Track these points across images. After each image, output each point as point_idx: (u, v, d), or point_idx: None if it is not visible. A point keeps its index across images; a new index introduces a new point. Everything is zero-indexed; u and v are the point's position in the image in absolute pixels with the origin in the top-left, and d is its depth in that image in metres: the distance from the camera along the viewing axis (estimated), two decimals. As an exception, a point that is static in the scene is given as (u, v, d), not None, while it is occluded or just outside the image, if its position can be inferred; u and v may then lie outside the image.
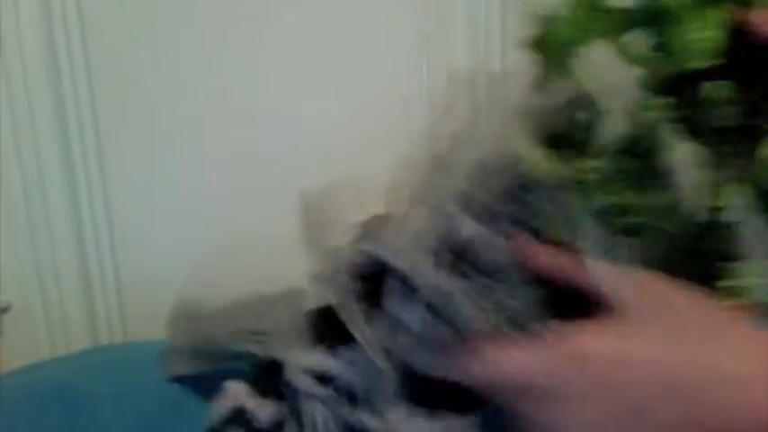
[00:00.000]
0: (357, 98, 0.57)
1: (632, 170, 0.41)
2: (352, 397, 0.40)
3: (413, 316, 0.38)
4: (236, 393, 0.42)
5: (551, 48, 0.43)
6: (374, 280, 0.39)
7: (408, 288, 0.38)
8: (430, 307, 0.37)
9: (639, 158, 0.41)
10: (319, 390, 0.39)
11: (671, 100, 0.41)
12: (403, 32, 0.57)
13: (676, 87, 0.41)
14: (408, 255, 0.37)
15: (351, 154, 0.55)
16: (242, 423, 0.42)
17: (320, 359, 0.40)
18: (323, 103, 0.58)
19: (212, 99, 0.58)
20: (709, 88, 0.41)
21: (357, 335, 0.39)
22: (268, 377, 0.42)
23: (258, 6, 0.55)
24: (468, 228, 0.38)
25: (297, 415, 0.40)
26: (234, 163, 0.57)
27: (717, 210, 0.40)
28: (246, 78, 0.58)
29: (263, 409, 0.41)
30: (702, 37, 0.41)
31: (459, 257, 0.37)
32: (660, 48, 0.42)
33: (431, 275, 0.37)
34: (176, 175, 0.58)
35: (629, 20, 0.43)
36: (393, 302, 0.38)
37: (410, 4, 0.56)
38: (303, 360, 0.40)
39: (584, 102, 0.42)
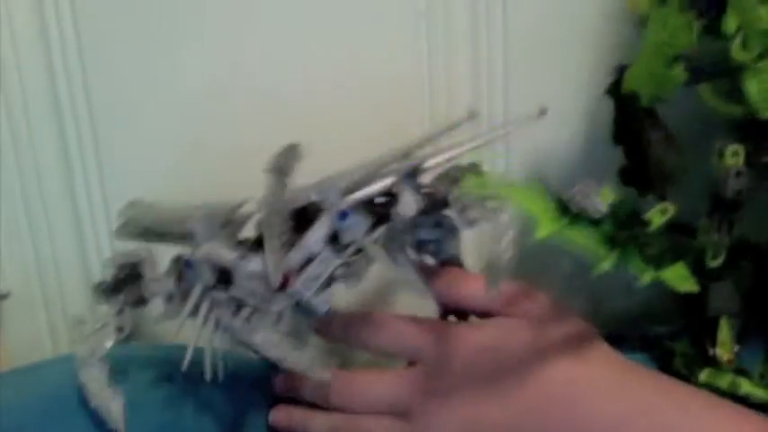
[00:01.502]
0: (353, 76, 0.57)
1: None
2: (239, 304, 0.41)
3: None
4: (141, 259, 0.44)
5: (629, 97, 0.47)
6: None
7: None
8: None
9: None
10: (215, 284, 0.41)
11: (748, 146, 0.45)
12: (401, 10, 0.57)
13: (757, 134, 0.45)
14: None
15: (344, 126, 0.55)
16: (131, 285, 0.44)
17: (229, 255, 0.41)
18: (318, 81, 0.57)
19: (212, 90, 0.57)
20: None
21: (267, 246, 0.40)
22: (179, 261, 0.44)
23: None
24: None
25: (184, 296, 0.42)
26: (233, 156, 0.56)
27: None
28: (240, 67, 0.57)
29: (159, 284, 0.44)
30: None
31: None
32: (735, 97, 0.44)
33: None
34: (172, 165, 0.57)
35: (703, 72, 0.46)
36: (311, 240, 0.41)
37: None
38: (214, 251, 0.41)
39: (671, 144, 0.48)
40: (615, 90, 0.51)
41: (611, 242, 0.43)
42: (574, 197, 0.41)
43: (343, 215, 0.41)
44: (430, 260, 0.47)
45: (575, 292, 0.58)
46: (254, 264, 0.41)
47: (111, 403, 0.42)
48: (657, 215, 0.47)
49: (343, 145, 0.47)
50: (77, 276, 0.59)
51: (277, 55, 0.56)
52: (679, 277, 0.47)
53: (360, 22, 0.56)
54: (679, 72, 0.45)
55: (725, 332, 0.49)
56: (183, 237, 0.43)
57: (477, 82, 0.58)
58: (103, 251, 0.58)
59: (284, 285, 0.41)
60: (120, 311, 0.45)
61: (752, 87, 0.44)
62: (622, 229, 0.43)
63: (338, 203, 0.41)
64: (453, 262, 0.47)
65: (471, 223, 0.41)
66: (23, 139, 0.57)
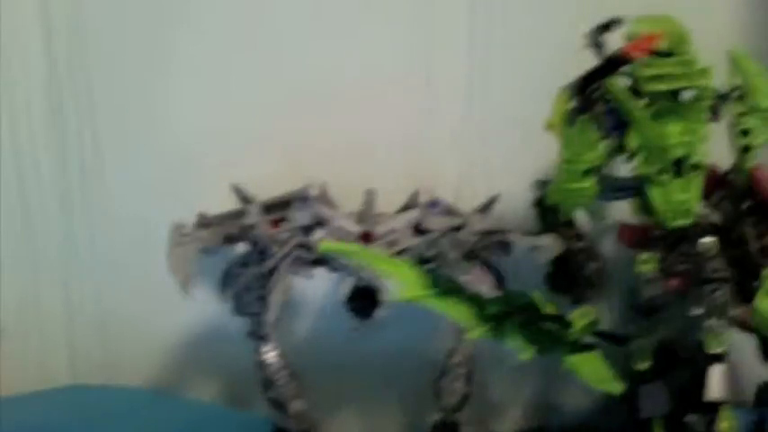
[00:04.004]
0: (356, 81, 0.59)
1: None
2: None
3: None
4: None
5: (551, 210, 0.52)
6: None
7: None
8: None
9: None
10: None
11: (663, 254, 0.49)
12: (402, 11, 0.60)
13: (673, 243, 0.48)
14: None
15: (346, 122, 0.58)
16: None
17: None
18: (322, 78, 0.60)
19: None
20: (703, 243, 0.48)
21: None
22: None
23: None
24: None
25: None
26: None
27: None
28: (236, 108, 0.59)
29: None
30: (683, 199, 0.47)
31: None
32: (648, 210, 0.48)
33: None
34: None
35: (617, 186, 0.50)
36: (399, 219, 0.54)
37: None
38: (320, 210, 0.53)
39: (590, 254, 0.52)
40: (540, 203, 0.54)
41: (487, 318, 0.45)
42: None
43: (434, 204, 0.54)
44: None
45: (527, 387, 0.61)
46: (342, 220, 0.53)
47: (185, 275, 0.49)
48: (579, 318, 0.49)
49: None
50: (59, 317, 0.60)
51: (272, 100, 0.59)
52: (598, 376, 0.50)
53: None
54: (591, 185, 0.49)
55: None
56: None
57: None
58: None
59: (367, 240, 0.52)
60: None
61: (657, 199, 0.48)
62: (509, 313, 0.46)
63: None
64: None
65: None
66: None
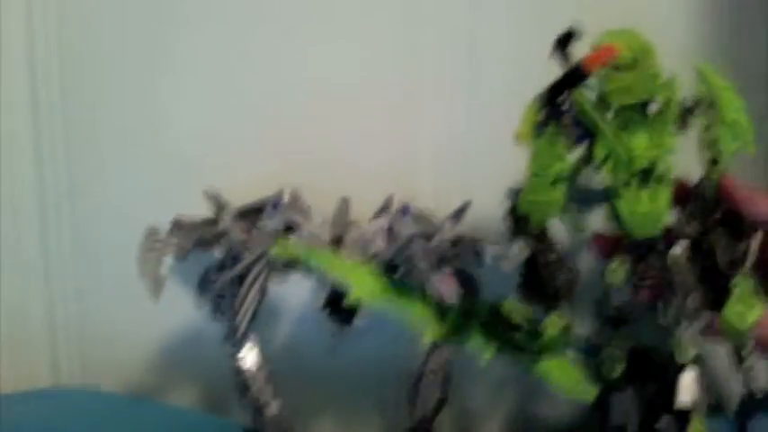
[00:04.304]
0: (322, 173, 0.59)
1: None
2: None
3: None
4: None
5: (523, 219, 0.52)
6: None
7: None
8: None
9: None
10: None
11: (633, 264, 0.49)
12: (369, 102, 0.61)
13: (642, 253, 0.49)
14: None
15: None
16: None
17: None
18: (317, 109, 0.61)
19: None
20: (672, 254, 0.49)
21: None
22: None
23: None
24: None
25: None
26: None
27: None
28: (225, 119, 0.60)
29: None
30: (649, 210, 0.48)
31: None
32: (616, 219, 0.49)
33: None
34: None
35: (586, 197, 0.51)
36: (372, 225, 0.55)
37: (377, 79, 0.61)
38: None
39: (560, 265, 0.52)
40: (512, 213, 0.55)
41: (446, 320, 0.46)
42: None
43: (405, 211, 0.54)
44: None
45: (505, 397, 0.61)
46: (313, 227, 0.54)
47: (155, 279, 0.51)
48: (551, 325, 0.50)
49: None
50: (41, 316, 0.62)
51: (263, 106, 0.60)
52: (570, 384, 0.50)
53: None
54: (559, 195, 0.49)
55: None
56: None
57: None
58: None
59: (338, 244, 0.53)
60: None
61: (623, 209, 0.48)
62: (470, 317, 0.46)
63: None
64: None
65: None
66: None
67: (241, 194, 0.55)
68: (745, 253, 0.49)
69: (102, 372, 0.62)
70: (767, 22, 0.61)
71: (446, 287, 0.51)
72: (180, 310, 0.59)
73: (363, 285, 0.46)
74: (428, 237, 0.54)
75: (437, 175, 0.62)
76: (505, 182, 0.53)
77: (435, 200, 0.60)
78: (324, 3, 0.59)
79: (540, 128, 0.47)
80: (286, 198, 0.54)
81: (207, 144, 0.60)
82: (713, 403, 0.54)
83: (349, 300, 0.45)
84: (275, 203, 0.53)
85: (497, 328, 0.49)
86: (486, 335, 0.48)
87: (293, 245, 0.51)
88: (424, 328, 0.46)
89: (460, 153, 0.62)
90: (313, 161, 0.58)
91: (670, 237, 0.49)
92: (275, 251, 0.48)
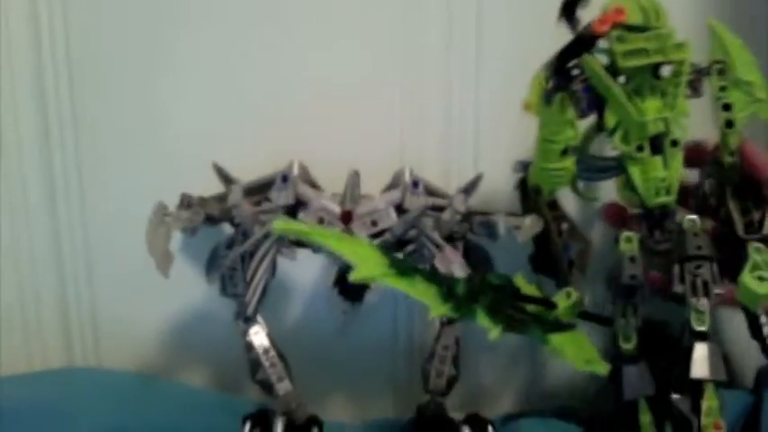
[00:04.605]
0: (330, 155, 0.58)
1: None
2: None
3: None
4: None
5: (534, 191, 0.52)
6: None
7: None
8: None
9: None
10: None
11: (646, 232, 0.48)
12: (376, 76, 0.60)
13: (655, 221, 0.48)
14: None
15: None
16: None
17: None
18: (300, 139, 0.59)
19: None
20: (686, 220, 0.48)
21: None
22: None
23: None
24: None
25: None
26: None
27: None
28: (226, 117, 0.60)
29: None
30: (663, 176, 0.47)
31: None
32: (630, 188, 0.48)
33: None
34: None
35: (599, 166, 0.51)
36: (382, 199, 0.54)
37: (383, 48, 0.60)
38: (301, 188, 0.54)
39: (573, 235, 0.52)
40: (522, 185, 0.54)
41: (453, 297, 0.46)
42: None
43: (416, 184, 0.54)
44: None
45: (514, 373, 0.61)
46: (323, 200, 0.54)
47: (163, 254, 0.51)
48: (563, 299, 0.49)
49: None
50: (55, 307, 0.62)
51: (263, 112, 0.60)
52: (583, 358, 0.49)
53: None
54: (569, 165, 0.48)
55: (645, 415, 0.49)
56: None
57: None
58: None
59: (347, 220, 0.53)
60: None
61: (636, 176, 0.47)
62: (479, 293, 0.45)
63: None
64: None
65: None
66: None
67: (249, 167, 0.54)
68: (762, 220, 0.48)
69: (114, 352, 0.63)
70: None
71: (455, 261, 0.51)
72: (191, 289, 0.59)
73: (367, 264, 0.45)
74: (439, 210, 0.54)
75: (439, 173, 0.61)
76: (512, 157, 0.53)
77: (442, 175, 0.59)
78: (324, 3, 0.59)
79: (548, 96, 0.46)
80: (295, 171, 0.53)
81: (208, 142, 0.59)
82: (729, 375, 0.54)
83: (352, 278, 0.44)
84: (284, 177, 0.53)
85: (507, 301, 0.48)
86: (494, 311, 0.47)
87: (294, 223, 0.50)
88: (429, 304, 0.46)
89: (465, 130, 0.61)
90: (313, 160, 0.57)
91: (686, 202, 0.48)
92: (276, 228, 0.46)
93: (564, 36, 0.46)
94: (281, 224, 0.47)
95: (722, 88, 0.48)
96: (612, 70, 0.46)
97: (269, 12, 0.59)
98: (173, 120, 0.60)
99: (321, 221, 0.53)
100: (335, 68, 0.60)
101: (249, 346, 0.52)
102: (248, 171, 0.55)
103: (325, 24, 0.59)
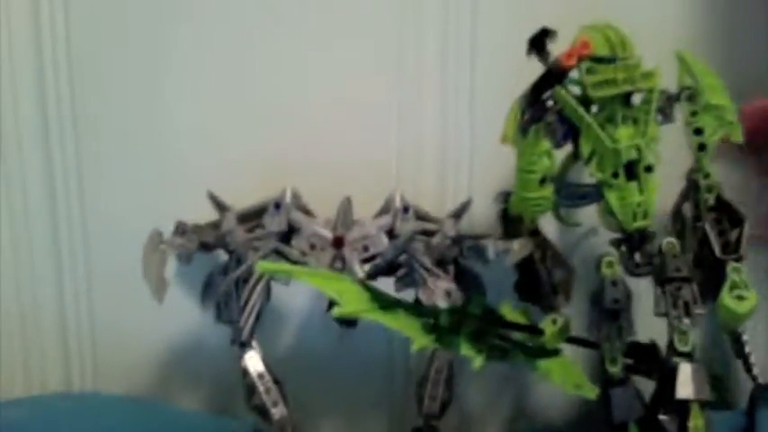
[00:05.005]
0: (324, 176, 0.60)
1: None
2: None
3: None
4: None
5: (516, 219, 0.54)
6: None
7: None
8: None
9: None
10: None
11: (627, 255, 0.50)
12: (373, 102, 0.62)
13: (635, 244, 0.49)
14: None
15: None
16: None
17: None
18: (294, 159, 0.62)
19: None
20: (665, 243, 0.49)
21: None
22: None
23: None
24: None
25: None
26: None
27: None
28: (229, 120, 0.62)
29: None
30: (639, 201, 0.48)
31: None
32: (610, 213, 0.49)
33: None
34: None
35: (579, 193, 0.53)
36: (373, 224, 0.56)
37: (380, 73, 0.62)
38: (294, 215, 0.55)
39: (556, 261, 0.53)
40: (504, 215, 0.56)
41: (437, 328, 0.47)
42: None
43: (406, 209, 0.56)
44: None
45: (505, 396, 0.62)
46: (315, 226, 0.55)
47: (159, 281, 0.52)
48: (549, 325, 0.50)
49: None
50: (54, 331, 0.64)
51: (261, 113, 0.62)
52: (572, 382, 0.50)
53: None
54: (548, 193, 0.50)
55: None
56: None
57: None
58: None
59: (339, 245, 0.54)
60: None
61: (614, 202, 0.49)
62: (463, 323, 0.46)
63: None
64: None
65: None
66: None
67: (242, 194, 0.56)
68: (738, 239, 0.49)
69: (112, 375, 0.64)
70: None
71: (441, 290, 0.52)
72: (187, 314, 0.61)
73: (350, 300, 0.47)
74: (429, 235, 0.56)
75: (438, 177, 0.63)
76: (506, 182, 0.55)
77: (437, 200, 0.61)
78: (325, 9, 0.61)
79: (524, 127, 0.48)
80: (288, 198, 0.55)
81: (209, 145, 0.62)
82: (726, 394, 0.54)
83: (335, 314, 0.46)
84: (277, 204, 0.55)
85: (491, 330, 0.50)
86: (477, 340, 0.49)
87: (276, 264, 0.52)
88: (412, 337, 0.47)
89: (461, 155, 0.63)
90: (313, 163, 0.60)
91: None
92: (260, 269, 0.49)
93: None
94: (264, 265, 0.49)
95: (693, 113, 0.50)
96: (585, 100, 0.48)
97: (270, 16, 0.61)
98: (174, 122, 0.62)
99: (313, 247, 0.54)
100: (331, 93, 0.62)
101: (244, 372, 0.53)
102: (242, 192, 0.56)
103: (321, 50, 0.61)
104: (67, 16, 0.61)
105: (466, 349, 0.48)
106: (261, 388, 0.53)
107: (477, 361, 0.48)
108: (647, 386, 0.51)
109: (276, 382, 0.53)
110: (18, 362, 0.64)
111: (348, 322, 0.55)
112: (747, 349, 0.51)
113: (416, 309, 0.50)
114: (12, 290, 0.64)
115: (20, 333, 0.64)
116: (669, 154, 0.49)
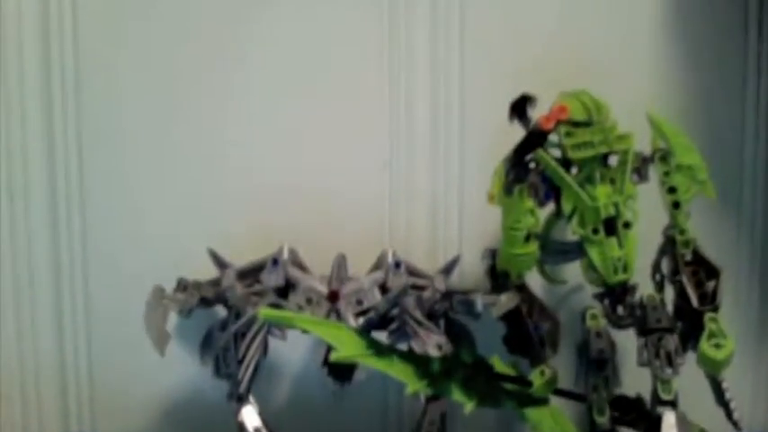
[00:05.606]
0: (319, 234, 0.62)
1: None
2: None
3: None
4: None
5: (502, 275, 0.56)
6: None
7: None
8: None
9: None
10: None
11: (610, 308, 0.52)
12: (365, 159, 0.65)
13: (618, 297, 0.52)
14: None
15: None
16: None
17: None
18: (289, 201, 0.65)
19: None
20: (646, 297, 0.52)
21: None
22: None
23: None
24: None
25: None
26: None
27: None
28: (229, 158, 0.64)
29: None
30: (619, 255, 0.51)
31: None
32: (592, 268, 0.52)
33: None
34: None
35: (562, 249, 0.55)
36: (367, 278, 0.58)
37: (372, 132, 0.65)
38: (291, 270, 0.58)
39: (543, 314, 0.55)
40: (492, 271, 0.58)
41: (426, 375, 0.49)
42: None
43: (398, 265, 0.58)
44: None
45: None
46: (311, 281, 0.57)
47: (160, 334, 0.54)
48: (538, 377, 0.52)
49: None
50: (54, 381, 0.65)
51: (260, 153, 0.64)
52: (560, 429, 0.52)
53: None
54: (533, 249, 0.53)
55: None
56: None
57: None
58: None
59: (334, 299, 0.56)
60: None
61: (595, 257, 0.51)
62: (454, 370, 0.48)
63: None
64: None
65: None
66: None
67: (237, 251, 0.58)
68: (715, 290, 0.51)
69: (111, 426, 0.65)
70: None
71: (432, 341, 0.54)
72: (185, 368, 0.62)
73: (347, 346, 0.49)
74: (420, 289, 0.58)
75: (429, 235, 0.66)
76: (494, 240, 0.57)
77: (428, 258, 0.64)
78: (318, 68, 0.64)
79: (509, 187, 0.52)
80: (285, 254, 0.57)
81: (209, 186, 0.64)
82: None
83: (332, 359, 0.48)
84: (275, 260, 0.57)
85: (482, 380, 0.51)
86: (469, 388, 0.51)
87: (277, 311, 0.54)
88: (406, 382, 0.49)
89: (450, 213, 0.66)
90: (308, 221, 0.63)
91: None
92: (261, 315, 0.50)
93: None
94: (266, 312, 0.51)
95: (666, 173, 0.53)
96: (565, 161, 0.51)
97: (255, 78, 0.64)
98: (172, 177, 0.64)
99: (309, 301, 0.56)
100: (323, 150, 0.65)
101: (241, 426, 0.54)
102: (238, 247, 0.59)
103: (318, 109, 0.64)
104: (75, 33, 0.63)
105: (458, 394, 0.50)
106: (257, 441, 0.54)
107: (469, 406, 0.49)
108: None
109: (272, 432, 0.54)
110: (17, 410, 0.65)
111: (343, 377, 0.57)
112: (728, 396, 0.52)
113: (410, 356, 0.52)
114: (12, 337, 0.65)
115: (19, 382, 0.65)
116: (647, 211, 0.52)
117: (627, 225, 0.51)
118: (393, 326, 0.57)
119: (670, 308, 0.53)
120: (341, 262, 0.58)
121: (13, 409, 0.65)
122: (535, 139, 0.50)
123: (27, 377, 0.65)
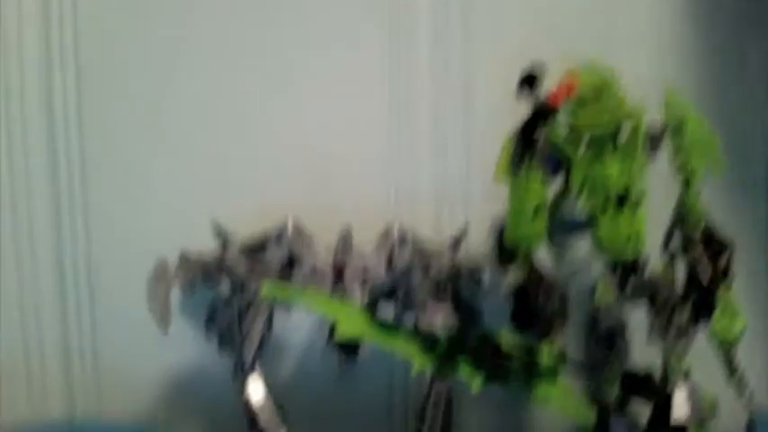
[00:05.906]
0: (324, 210, 0.61)
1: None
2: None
3: None
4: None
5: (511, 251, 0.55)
6: None
7: None
8: None
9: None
10: None
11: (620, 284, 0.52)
12: (368, 155, 0.64)
13: (628, 272, 0.52)
14: None
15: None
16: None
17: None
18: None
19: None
20: (657, 271, 0.52)
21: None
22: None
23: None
24: None
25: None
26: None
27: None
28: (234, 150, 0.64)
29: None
30: (629, 232, 0.50)
31: None
32: (599, 243, 0.51)
33: None
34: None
35: (570, 225, 0.56)
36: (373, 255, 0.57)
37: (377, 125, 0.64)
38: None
39: (550, 291, 0.54)
40: (499, 247, 0.57)
41: (432, 353, 0.49)
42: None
43: (404, 240, 0.57)
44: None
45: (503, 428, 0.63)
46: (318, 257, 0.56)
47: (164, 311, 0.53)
48: (547, 351, 0.51)
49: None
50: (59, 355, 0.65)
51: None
52: (569, 407, 0.51)
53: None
54: (541, 226, 0.52)
55: None
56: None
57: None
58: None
59: (339, 275, 0.55)
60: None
61: (602, 233, 0.50)
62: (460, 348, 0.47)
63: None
64: None
65: None
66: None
67: (242, 223, 0.58)
68: (727, 266, 0.50)
69: (115, 403, 0.65)
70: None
71: (438, 318, 0.54)
72: (190, 344, 0.62)
73: (352, 322, 0.48)
74: (427, 265, 0.57)
75: (435, 211, 0.65)
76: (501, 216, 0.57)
77: (434, 233, 0.63)
78: (323, 55, 0.64)
79: (516, 165, 0.51)
80: (289, 230, 0.57)
81: (211, 174, 0.64)
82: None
83: (337, 336, 0.48)
84: (279, 236, 0.56)
85: (489, 357, 0.51)
86: (476, 365, 0.50)
87: (281, 287, 0.53)
88: (412, 359, 0.49)
89: (456, 189, 0.65)
90: (313, 195, 0.62)
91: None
92: (265, 293, 0.50)
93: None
94: (269, 288, 0.50)
95: (677, 148, 0.51)
96: (574, 136, 0.50)
97: (264, 58, 0.63)
98: (175, 152, 0.64)
99: (314, 277, 0.55)
100: (330, 131, 0.64)
101: (246, 402, 0.55)
102: (243, 222, 0.58)
103: (325, 99, 0.64)
104: (76, 31, 0.63)
105: (465, 372, 0.49)
106: (262, 416, 0.54)
107: (476, 383, 0.49)
108: (643, 412, 0.52)
109: (277, 409, 0.55)
110: (21, 388, 0.65)
111: (349, 351, 0.57)
112: (740, 372, 0.51)
113: (416, 333, 0.51)
114: (15, 318, 0.65)
115: (23, 359, 0.65)
116: (657, 186, 0.51)
117: (637, 200, 0.50)
118: (399, 302, 0.56)
119: (681, 283, 0.52)
120: (346, 236, 0.57)
121: (18, 387, 0.65)
122: (542, 115, 0.49)
123: (31, 355, 0.65)
